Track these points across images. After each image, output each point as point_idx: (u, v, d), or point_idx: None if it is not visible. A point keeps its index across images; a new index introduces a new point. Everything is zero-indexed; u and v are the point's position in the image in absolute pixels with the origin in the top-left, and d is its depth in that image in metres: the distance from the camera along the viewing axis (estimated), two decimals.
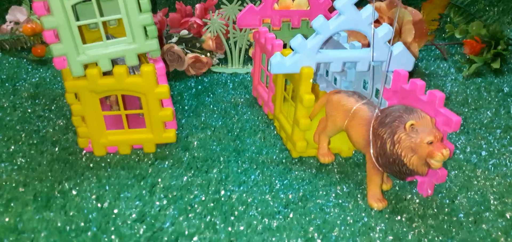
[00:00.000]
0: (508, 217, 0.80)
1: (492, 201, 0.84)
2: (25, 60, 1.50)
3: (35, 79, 1.35)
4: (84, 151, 0.98)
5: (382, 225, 0.77)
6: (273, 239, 0.73)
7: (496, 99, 1.28)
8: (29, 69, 1.43)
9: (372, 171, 0.81)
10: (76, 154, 0.97)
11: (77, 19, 0.86)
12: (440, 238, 0.74)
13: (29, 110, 1.16)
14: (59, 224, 0.74)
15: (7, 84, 1.31)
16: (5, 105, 1.17)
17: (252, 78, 1.26)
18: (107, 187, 0.85)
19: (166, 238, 0.72)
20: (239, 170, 0.92)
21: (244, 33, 1.45)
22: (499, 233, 0.76)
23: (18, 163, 0.93)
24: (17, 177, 0.88)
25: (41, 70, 1.43)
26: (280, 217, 0.78)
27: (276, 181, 0.88)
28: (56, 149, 0.98)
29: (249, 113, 1.17)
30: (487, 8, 1.75)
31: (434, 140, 0.72)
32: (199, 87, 1.35)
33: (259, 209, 0.80)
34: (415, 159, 0.74)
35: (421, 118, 0.74)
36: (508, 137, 1.08)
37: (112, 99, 1.10)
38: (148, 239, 0.72)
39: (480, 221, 0.79)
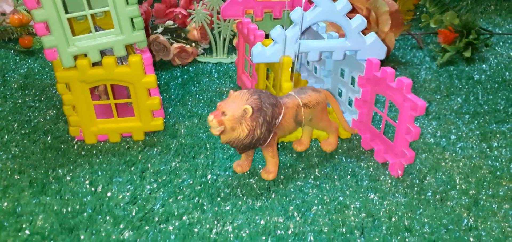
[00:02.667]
0: (471, 195, 0.87)
1: (457, 181, 0.92)
2: (12, 51, 1.52)
3: (24, 70, 1.38)
4: (76, 140, 1.02)
5: (357, 203, 0.83)
6: (256, 217, 0.79)
7: (467, 86, 1.36)
8: (17, 60, 1.45)
9: None
10: (68, 143, 1.01)
11: (67, 11, 0.89)
12: (409, 214, 0.81)
13: (20, 101, 1.19)
14: (55, 207, 0.79)
15: None
16: None
17: (237, 67, 1.31)
18: (99, 173, 0.89)
19: (157, 218, 0.78)
20: (224, 156, 0.97)
21: (228, 23, 1.49)
22: (462, 209, 0.84)
23: (12, 152, 0.97)
24: (12, 165, 0.92)
25: (29, 61, 1.45)
26: (263, 198, 0.84)
27: (260, 166, 0.94)
28: (48, 138, 1.02)
29: None
30: None
31: (217, 107, 0.80)
32: (185, 76, 1.39)
33: (243, 191, 0.86)
34: None
35: (233, 94, 0.81)
36: (476, 122, 1.15)
37: (100, 89, 1.14)
38: (140, 219, 0.77)
39: (446, 199, 0.86)
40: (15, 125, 1.07)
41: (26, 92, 1.24)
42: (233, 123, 0.79)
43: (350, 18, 0.95)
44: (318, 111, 0.93)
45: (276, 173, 0.90)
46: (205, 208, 0.81)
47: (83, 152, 0.97)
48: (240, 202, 0.83)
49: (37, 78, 1.34)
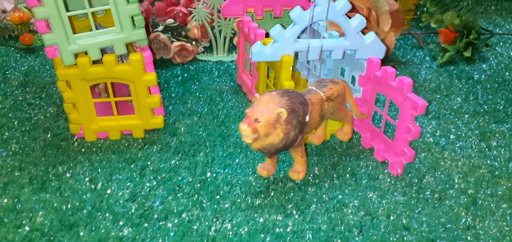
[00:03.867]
0: (470, 194, 0.88)
1: (456, 180, 0.92)
2: (13, 48, 1.52)
3: (24, 68, 1.39)
4: (76, 137, 1.02)
5: (355, 202, 0.84)
6: (255, 215, 0.79)
7: (466, 86, 1.36)
8: (18, 58, 1.46)
9: None
10: (68, 140, 1.01)
11: (67, 9, 0.90)
12: (407, 213, 0.82)
13: (20, 98, 1.19)
14: (55, 204, 0.80)
15: None
16: None
17: (237, 66, 1.31)
18: (99, 170, 0.90)
19: (156, 216, 0.78)
20: (224, 154, 0.97)
21: (229, 22, 1.50)
22: (461, 208, 0.84)
23: (12, 149, 0.97)
24: (12, 162, 0.92)
25: (29, 59, 1.46)
26: (262, 196, 0.84)
27: (259, 163, 0.94)
28: (48, 135, 1.03)
29: (233, 100, 1.22)
30: None
31: (247, 114, 0.76)
32: (185, 75, 1.39)
33: (243, 189, 0.86)
34: None
35: (261, 98, 0.77)
36: (475, 121, 1.15)
37: (100, 87, 1.14)
38: (139, 216, 0.77)
39: (444, 198, 0.87)
40: (16, 122, 1.07)
41: (27, 89, 1.25)
42: (267, 129, 0.76)
43: (350, 18, 0.95)
44: (339, 103, 0.92)
45: (305, 172, 0.89)
46: (204, 205, 0.81)
47: (83, 150, 0.98)
48: (239, 200, 0.83)
49: (38, 76, 1.34)
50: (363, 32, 0.97)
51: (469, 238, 0.77)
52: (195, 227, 0.76)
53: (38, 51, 1.53)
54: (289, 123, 0.78)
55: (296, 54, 0.98)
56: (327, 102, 0.88)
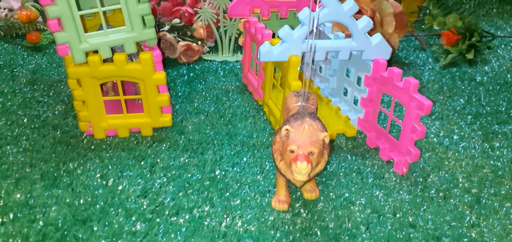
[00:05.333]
0: (474, 193, 0.89)
1: (460, 180, 0.93)
2: (20, 46, 1.54)
3: (32, 66, 1.40)
4: (85, 135, 1.04)
5: (362, 199, 0.85)
6: (264, 213, 0.81)
7: (469, 88, 1.38)
8: (25, 56, 1.47)
9: (277, 172, 0.81)
10: (77, 137, 1.03)
11: (79, 8, 0.91)
12: (413, 211, 0.83)
13: (29, 96, 1.21)
14: (67, 200, 0.81)
15: (5, 70, 1.35)
16: (5, 91, 1.22)
17: (242, 66, 1.33)
18: (109, 167, 0.91)
19: (167, 212, 0.79)
20: (232, 152, 0.99)
21: (234, 22, 1.51)
22: (465, 207, 0.85)
23: (23, 145, 0.98)
24: (23, 158, 0.94)
25: (36, 57, 1.47)
26: (271, 195, 0.86)
27: (266, 163, 0.96)
28: (58, 132, 1.04)
29: (239, 99, 1.24)
30: (464, 1, 1.85)
31: (296, 150, 0.70)
32: (191, 74, 1.41)
33: (252, 188, 0.88)
34: (282, 164, 0.74)
35: (299, 127, 0.71)
36: (478, 122, 1.17)
37: (108, 85, 1.16)
38: (151, 212, 0.79)
39: (449, 196, 0.88)
40: (25, 120, 1.09)
41: (35, 87, 1.26)
42: (319, 158, 0.72)
43: (356, 19, 0.97)
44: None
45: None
46: (214, 202, 0.83)
47: (92, 147, 0.99)
48: (248, 198, 0.84)
49: (45, 74, 1.35)
50: (369, 33, 0.98)
51: (473, 235, 0.78)
52: (206, 223, 0.77)
53: (45, 49, 1.54)
54: (329, 146, 0.75)
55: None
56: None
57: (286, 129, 0.72)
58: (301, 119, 0.72)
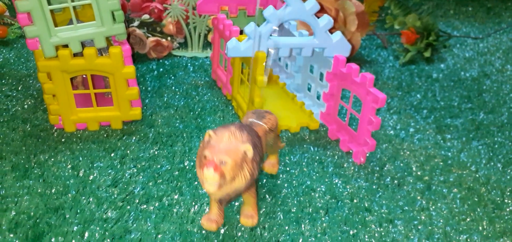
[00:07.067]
0: (425, 181, 0.97)
1: (414, 169, 1.01)
2: None
3: None
4: (55, 128, 1.05)
5: (322, 187, 0.91)
6: None
7: (426, 84, 1.46)
8: None
9: None
10: (47, 131, 1.04)
11: (49, 3, 0.93)
12: (369, 197, 0.90)
13: None
14: (39, 190, 0.83)
15: None
16: None
17: (212, 61, 1.37)
18: (80, 158, 0.94)
19: (138, 200, 0.83)
20: None
21: (204, 19, 1.55)
22: (417, 193, 0.93)
23: None
24: None
25: (4, 51, 1.46)
26: None
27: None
28: (27, 126, 1.05)
29: (209, 94, 1.28)
30: (423, 2, 1.95)
31: (208, 156, 0.65)
32: (161, 69, 1.44)
33: None
34: (200, 171, 0.68)
35: (220, 134, 0.67)
36: (432, 116, 1.25)
37: (78, 80, 1.18)
38: (122, 200, 0.82)
39: (402, 184, 0.95)
40: None
41: (3, 81, 1.26)
42: (234, 171, 0.65)
43: (318, 18, 1.02)
44: (276, 134, 0.87)
45: (257, 215, 0.80)
46: (183, 191, 0.87)
47: (63, 139, 1.01)
48: None
49: (13, 68, 1.35)
50: (331, 31, 1.04)
51: (423, 218, 0.85)
52: (175, 210, 0.81)
53: (12, 44, 1.53)
54: (254, 161, 0.68)
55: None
56: (268, 133, 0.82)
57: (209, 134, 0.67)
58: (228, 127, 0.68)
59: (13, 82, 1.26)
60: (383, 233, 0.81)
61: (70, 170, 0.89)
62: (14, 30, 1.57)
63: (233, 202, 0.84)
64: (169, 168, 0.93)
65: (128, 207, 0.81)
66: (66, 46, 0.99)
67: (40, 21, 0.92)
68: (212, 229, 0.76)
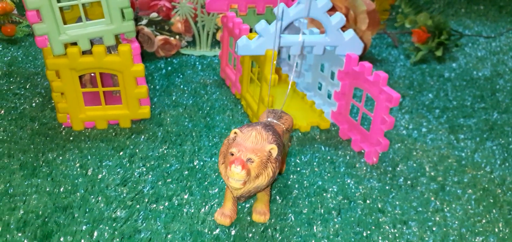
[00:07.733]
0: (439, 181, 0.95)
1: (427, 169, 0.99)
2: None
3: (7, 58, 1.39)
4: (63, 126, 1.04)
5: (334, 187, 0.89)
6: None
7: (437, 83, 1.44)
8: (0, 48, 1.46)
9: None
10: (55, 129, 1.03)
11: (58, 0, 0.92)
12: (382, 197, 0.88)
13: (5, 88, 1.20)
14: (47, 189, 0.82)
15: None
16: None
17: (220, 60, 1.35)
18: (89, 157, 0.93)
19: (147, 199, 0.82)
20: (210, 144, 1.02)
21: (212, 17, 1.53)
22: (431, 194, 0.91)
23: (0, 137, 0.98)
24: (0, 149, 0.94)
25: (12, 49, 1.46)
26: None
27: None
28: (36, 124, 1.05)
29: (217, 93, 1.26)
30: (434, 1, 1.93)
31: (235, 153, 0.66)
32: (169, 68, 1.42)
33: None
34: (223, 167, 0.70)
35: (247, 132, 0.68)
36: (445, 116, 1.23)
37: (86, 78, 1.17)
38: (131, 199, 0.81)
39: (416, 184, 0.93)
40: (2, 111, 1.09)
41: (11, 79, 1.25)
42: (259, 169, 0.67)
43: (330, 16, 1.01)
44: (290, 136, 0.86)
45: (269, 212, 0.80)
46: (193, 191, 0.85)
47: (71, 138, 1.00)
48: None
49: (21, 66, 1.35)
50: (342, 29, 1.03)
51: (437, 219, 0.83)
52: (185, 210, 0.80)
53: (20, 42, 1.53)
54: (278, 160, 0.70)
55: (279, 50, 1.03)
56: (285, 133, 0.82)
57: (235, 132, 0.69)
58: (253, 126, 0.70)
59: (21, 80, 1.25)
60: (397, 235, 0.79)
61: (78, 169, 0.88)
62: (22, 29, 1.56)
63: (242, 203, 0.83)
64: (178, 167, 0.92)
65: (138, 206, 0.79)
66: (75, 43, 0.98)
67: (49, 18, 0.91)
68: (226, 223, 0.77)
